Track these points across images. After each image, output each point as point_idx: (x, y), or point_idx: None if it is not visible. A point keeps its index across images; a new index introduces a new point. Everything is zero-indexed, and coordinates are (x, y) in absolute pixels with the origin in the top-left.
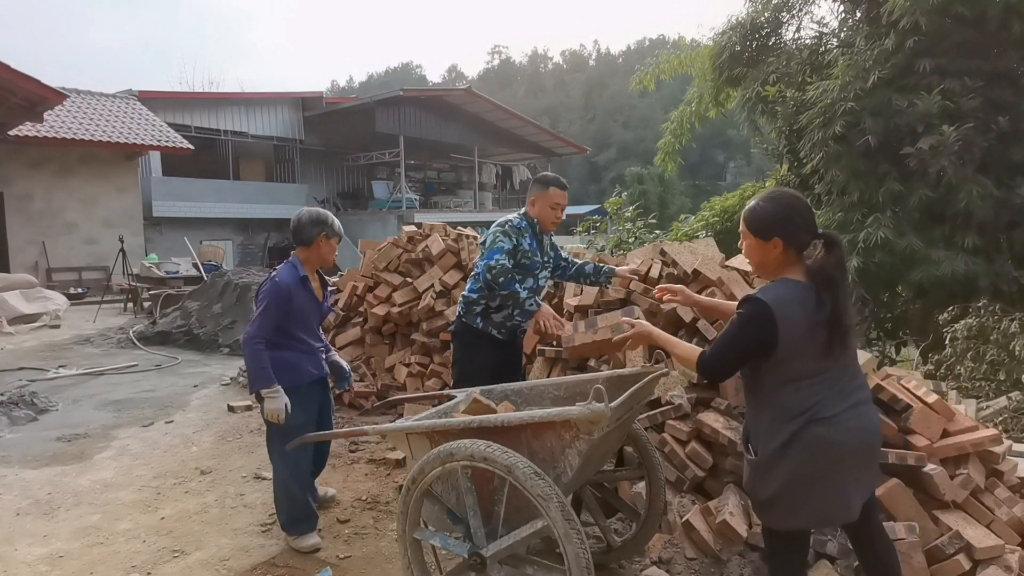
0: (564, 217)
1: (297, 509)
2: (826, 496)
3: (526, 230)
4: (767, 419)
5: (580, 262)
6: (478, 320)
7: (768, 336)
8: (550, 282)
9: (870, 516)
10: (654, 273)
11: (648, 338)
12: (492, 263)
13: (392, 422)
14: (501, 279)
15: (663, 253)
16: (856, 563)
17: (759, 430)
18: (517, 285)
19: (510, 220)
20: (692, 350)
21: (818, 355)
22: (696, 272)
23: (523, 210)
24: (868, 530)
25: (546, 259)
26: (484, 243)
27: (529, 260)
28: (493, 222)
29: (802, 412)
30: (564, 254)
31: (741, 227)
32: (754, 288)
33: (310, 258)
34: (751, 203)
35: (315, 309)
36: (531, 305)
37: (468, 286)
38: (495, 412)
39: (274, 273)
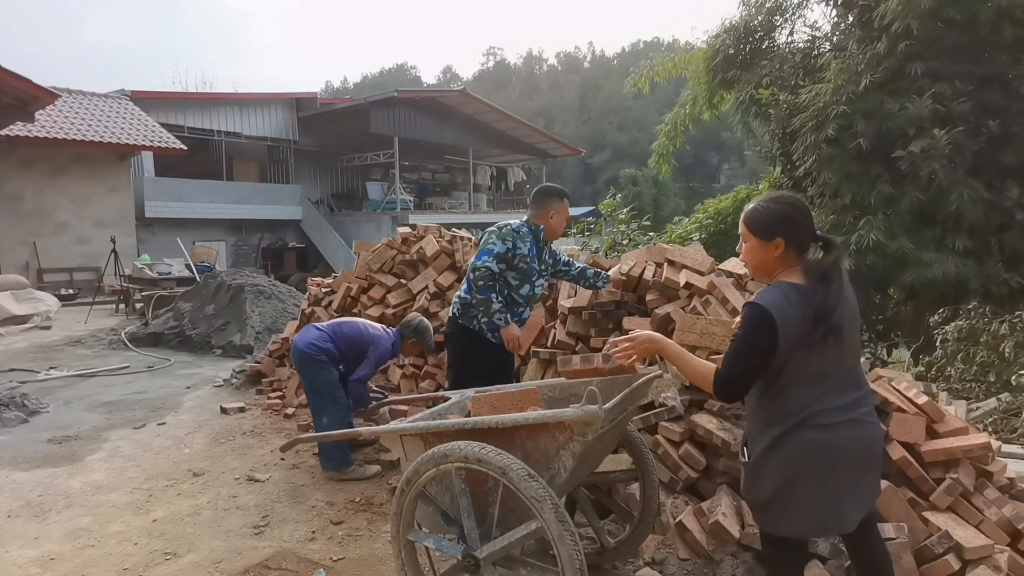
0: None
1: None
2: (815, 503)
3: (527, 236)
4: (761, 422)
5: (581, 265)
6: (474, 322)
7: (770, 339)
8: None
9: (868, 528)
10: (647, 276)
11: (653, 348)
12: (479, 263)
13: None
14: (481, 282)
15: (661, 263)
16: (848, 563)
17: (753, 433)
18: (494, 294)
19: (510, 224)
20: (706, 366)
21: (814, 359)
22: (688, 284)
23: (525, 217)
24: (865, 542)
25: (543, 267)
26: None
27: (527, 266)
28: (488, 224)
29: (793, 415)
30: (563, 257)
31: (741, 228)
32: (751, 292)
33: None
34: (751, 204)
35: None
36: (499, 319)
37: (463, 287)
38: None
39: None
